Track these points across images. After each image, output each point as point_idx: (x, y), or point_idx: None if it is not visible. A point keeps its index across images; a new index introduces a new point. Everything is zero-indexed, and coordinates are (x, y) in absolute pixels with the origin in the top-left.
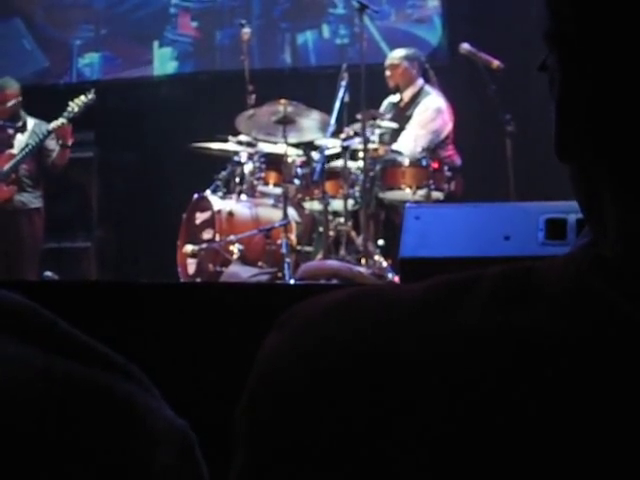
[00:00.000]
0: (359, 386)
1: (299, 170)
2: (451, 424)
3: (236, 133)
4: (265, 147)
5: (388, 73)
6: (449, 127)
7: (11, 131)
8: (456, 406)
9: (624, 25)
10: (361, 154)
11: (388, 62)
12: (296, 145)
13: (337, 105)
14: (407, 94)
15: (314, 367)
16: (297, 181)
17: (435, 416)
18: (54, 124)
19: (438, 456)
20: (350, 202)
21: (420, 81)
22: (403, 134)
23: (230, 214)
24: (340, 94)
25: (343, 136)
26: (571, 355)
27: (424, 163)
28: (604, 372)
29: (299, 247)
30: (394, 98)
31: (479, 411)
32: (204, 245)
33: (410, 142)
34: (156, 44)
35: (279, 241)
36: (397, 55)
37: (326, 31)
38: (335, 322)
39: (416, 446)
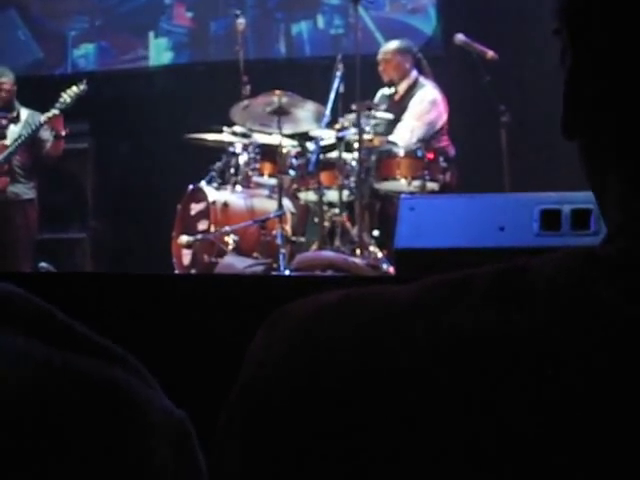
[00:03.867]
0: (350, 388)
1: (294, 161)
2: (447, 426)
3: (231, 124)
4: (260, 138)
5: (381, 67)
6: (444, 118)
7: (4, 121)
8: (452, 408)
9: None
10: (356, 145)
11: (381, 57)
12: (291, 136)
13: (332, 96)
14: (402, 87)
15: (304, 368)
16: (292, 172)
17: (430, 418)
18: (46, 115)
19: (433, 456)
20: (345, 193)
21: (414, 73)
22: (399, 126)
23: (225, 205)
24: (335, 85)
25: (338, 127)
26: (568, 355)
27: (419, 154)
28: (602, 372)
29: (294, 238)
30: (388, 90)
31: (476, 413)
32: (199, 236)
33: (406, 134)
34: (151, 35)
35: (274, 232)
36: (389, 49)
37: (321, 21)
38: (327, 324)
39: (410, 447)
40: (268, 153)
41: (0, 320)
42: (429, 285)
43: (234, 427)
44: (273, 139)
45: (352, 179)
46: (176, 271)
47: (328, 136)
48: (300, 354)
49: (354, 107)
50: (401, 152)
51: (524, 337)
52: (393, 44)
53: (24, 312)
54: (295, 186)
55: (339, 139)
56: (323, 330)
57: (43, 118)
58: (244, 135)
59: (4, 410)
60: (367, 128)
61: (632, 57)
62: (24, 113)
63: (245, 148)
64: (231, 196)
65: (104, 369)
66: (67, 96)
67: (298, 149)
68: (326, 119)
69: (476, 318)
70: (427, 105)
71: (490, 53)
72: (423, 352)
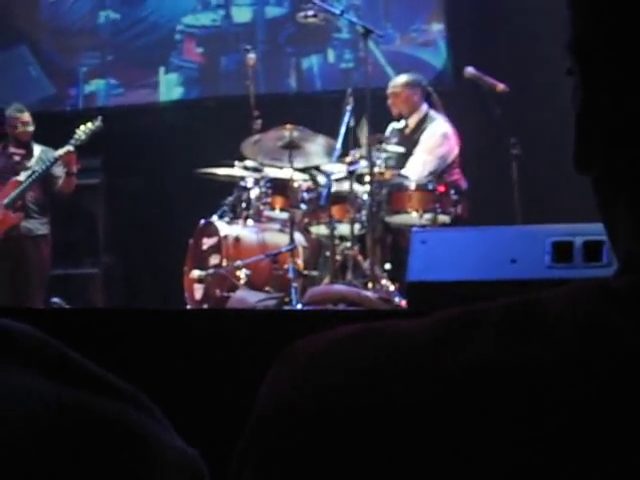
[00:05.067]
0: (365, 428)
1: (305, 195)
2: (463, 464)
3: (242, 158)
4: (271, 172)
5: (390, 101)
6: (455, 152)
7: (18, 157)
8: (467, 445)
9: None
10: (367, 178)
11: (390, 90)
12: (302, 170)
13: (343, 130)
14: (412, 121)
15: (316, 408)
16: (303, 206)
17: (443, 456)
18: (60, 151)
19: None
20: (357, 226)
21: (424, 107)
22: (411, 160)
23: (237, 239)
24: (345, 118)
25: (349, 160)
26: (582, 388)
27: (430, 187)
28: (616, 405)
29: (306, 272)
30: (398, 124)
31: (493, 450)
32: (211, 270)
33: (418, 167)
34: (162, 70)
35: (286, 266)
36: (398, 83)
37: (331, 56)
38: (340, 361)
39: None
40: (279, 187)
41: (7, 358)
42: (440, 320)
43: (247, 466)
44: (284, 173)
45: (364, 213)
46: (188, 306)
47: (339, 170)
48: (312, 392)
49: (365, 140)
50: (412, 185)
51: (536, 371)
52: (402, 78)
53: (35, 352)
54: (307, 220)
55: (350, 172)
56: (335, 367)
57: (57, 154)
58: (255, 169)
59: (14, 451)
60: (378, 162)
61: None
62: (37, 149)
63: (256, 182)
64: (243, 230)
65: (117, 408)
66: (82, 132)
67: (309, 183)
68: (337, 153)
69: (487, 353)
70: (439, 139)
71: (500, 86)
72: (435, 388)
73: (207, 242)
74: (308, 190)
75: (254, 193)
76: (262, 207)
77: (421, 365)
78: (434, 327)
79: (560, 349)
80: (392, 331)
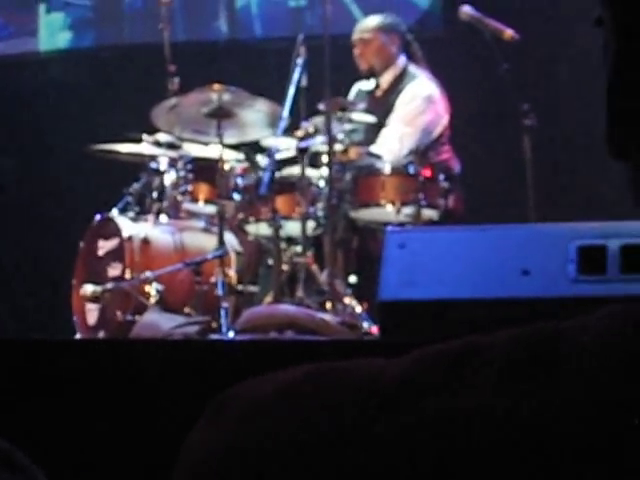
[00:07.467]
0: None
1: (240, 181)
2: None
3: (153, 131)
4: (193, 150)
5: (358, 51)
6: (444, 121)
7: None
8: None
9: None
10: (325, 159)
11: (357, 36)
12: (235, 147)
13: (291, 91)
14: (385, 79)
15: (255, 474)
16: (237, 196)
17: None
18: None
19: None
20: (310, 224)
21: (402, 60)
22: (383, 133)
23: (145, 242)
24: (296, 76)
25: (300, 134)
26: (610, 458)
27: (411, 170)
28: None
29: (240, 287)
30: (367, 84)
31: None
32: (109, 285)
33: (393, 143)
34: (42, 9)
35: (213, 279)
36: (369, 26)
37: None
38: (285, 415)
39: None
40: (204, 171)
41: None
42: (423, 358)
43: None
44: (211, 151)
45: (320, 206)
46: (78, 334)
47: (286, 147)
48: (247, 456)
49: (322, 107)
50: (387, 168)
51: (552, 430)
52: (373, 20)
53: None
54: (241, 216)
55: (302, 151)
56: (279, 425)
57: None
58: (171, 146)
59: None
60: (340, 136)
61: None
62: None
63: (172, 164)
64: (153, 230)
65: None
66: None
67: (245, 165)
68: (284, 123)
69: (481, 404)
70: (420, 103)
71: (508, 32)
72: (415, 449)
73: (104, 246)
74: (243, 174)
75: (169, 178)
76: (180, 198)
77: (390, 421)
78: (412, 369)
79: (585, 408)
80: (356, 375)
